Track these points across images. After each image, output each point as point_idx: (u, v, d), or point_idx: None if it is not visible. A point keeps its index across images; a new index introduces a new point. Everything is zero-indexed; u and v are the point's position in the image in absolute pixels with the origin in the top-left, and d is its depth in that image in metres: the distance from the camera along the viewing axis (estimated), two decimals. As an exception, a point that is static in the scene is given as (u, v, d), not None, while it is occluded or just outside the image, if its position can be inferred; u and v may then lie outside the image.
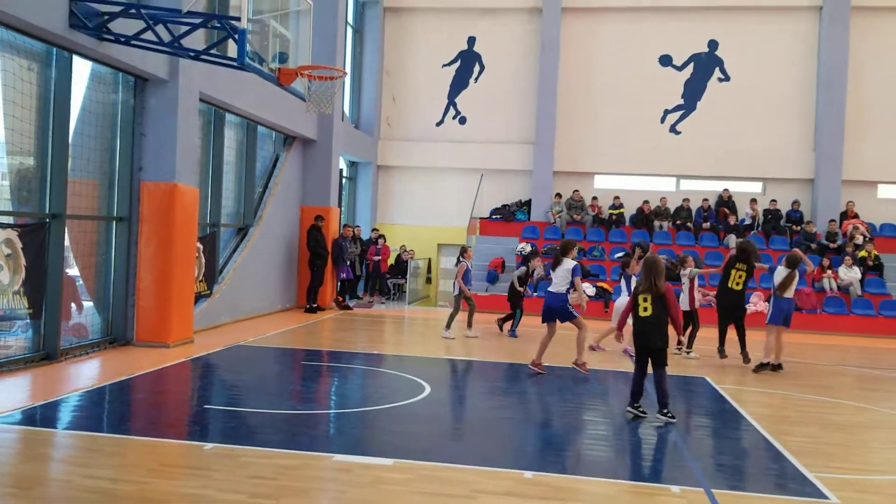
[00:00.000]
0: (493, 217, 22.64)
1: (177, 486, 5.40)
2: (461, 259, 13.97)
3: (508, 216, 22.46)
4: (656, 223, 21.44)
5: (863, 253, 18.83)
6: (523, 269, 14.93)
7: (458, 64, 23.31)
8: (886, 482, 6.21)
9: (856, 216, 20.42)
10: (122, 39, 9.66)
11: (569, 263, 10.44)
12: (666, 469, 6.42)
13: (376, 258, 20.96)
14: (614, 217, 21.74)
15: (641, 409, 7.99)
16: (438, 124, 23.36)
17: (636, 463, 6.56)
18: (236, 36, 8.82)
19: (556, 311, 10.44)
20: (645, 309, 7.81)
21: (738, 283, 12.04)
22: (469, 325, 14.14)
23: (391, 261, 21.90)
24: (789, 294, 11.39)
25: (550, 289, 10.54)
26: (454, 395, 9.44)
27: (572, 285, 10.39)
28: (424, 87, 23.40)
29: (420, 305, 21.47)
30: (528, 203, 22.66)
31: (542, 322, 10.59)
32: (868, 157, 20.92)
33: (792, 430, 7.88)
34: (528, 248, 20.73)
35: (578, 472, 6.13)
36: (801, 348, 14.71)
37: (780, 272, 11.50)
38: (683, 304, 12.40)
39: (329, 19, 17.60)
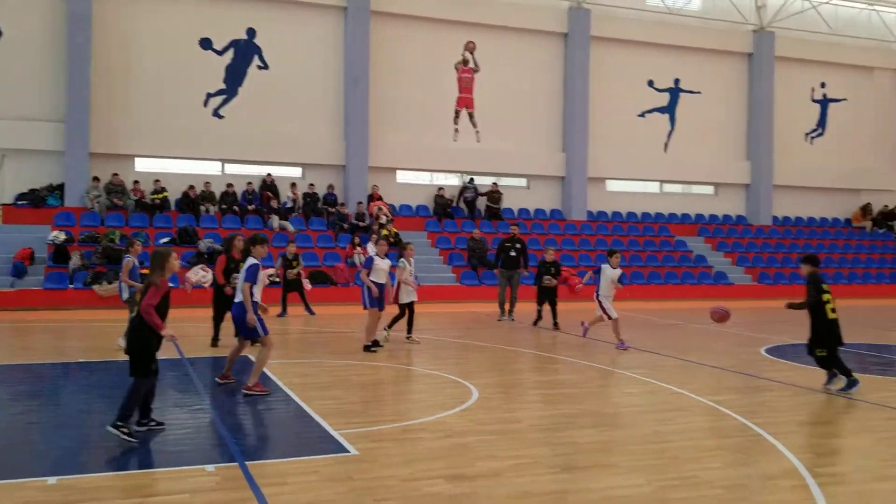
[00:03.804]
0: (19, 203, 20.22)
1: None
2: (127, 254, 11.54)
3: (38, 202, 20.24)
4: (202, 207, 21.39)
5: (385, 231, 21.36)
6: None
7: (-37, 26, 20.09)
8: (398, 429, 7.27)
9: (380, 198, 23.05)
10: None
11: (247, 264, 8.82)
12: (201, 450, 6.60)
13: None
14: (158, 202, 21.08)
15: (154, 423, 7.05)
16: (-60, 95, 19.91)
17: (171, 450, 6.58)
18: None
19: (238, 322, 8.82)
20: (133, 311, 6.96)
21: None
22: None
23: None
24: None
25: (237, 298, 8.80)
26: (-34, 407, 8.31)
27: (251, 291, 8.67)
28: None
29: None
30: (61, 187, 20.69)
31: (235, 335, 9.11)
32: (389, 146, 23.71)
33: (322, 394, 8.72)
34: (63, 237, 19.03)
35: (108, 469, 5.95)
36: (335, 319, 16.25)
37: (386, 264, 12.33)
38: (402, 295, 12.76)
39: None
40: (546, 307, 15.53)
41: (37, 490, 5.34)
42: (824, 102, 29.56)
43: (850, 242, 28.52)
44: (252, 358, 9.47)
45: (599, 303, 12.78)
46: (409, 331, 12.93)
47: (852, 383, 9.19)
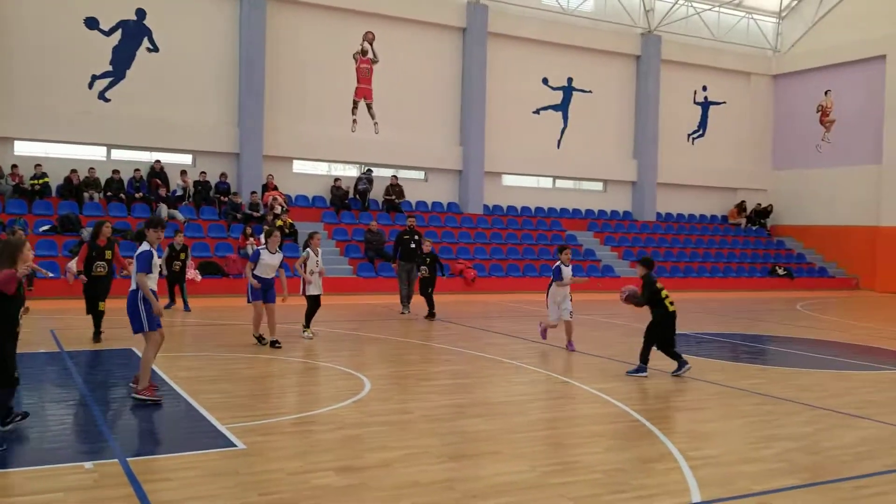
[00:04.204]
0: None
1: None
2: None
3: None
4: (86, 194, 20.41)
5: (280, 221, 21.01)
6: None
7: None
8: (285, 422, 7.22)
9: (275, 188, 22.64)
10: None
11: (143, 248, 7.86)
12: (79, 447, 6.34)
13: None
14: (38, 187, 19.95)
15: (20, 417, 6.55)
16: None
17: (47, 447, 6.29)
18: None
19: (128, 313, 7.89)
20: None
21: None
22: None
23: None
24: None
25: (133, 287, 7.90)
26: None
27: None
28: None
29: None
30: (-74, 169, 19.30)
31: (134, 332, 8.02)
32: (285, 135, 23.31)
33: (209, 388, 8.53)
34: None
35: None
36: (223, 311, 15.88)
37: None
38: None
39: None
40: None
41: None
42: (705, 105, 31.14)
43: (725, 238, 30.22)
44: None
45: (549, 304, 11.96)
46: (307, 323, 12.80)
47: (640, 370, 9.94)
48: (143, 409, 7.61)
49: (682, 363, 9.97)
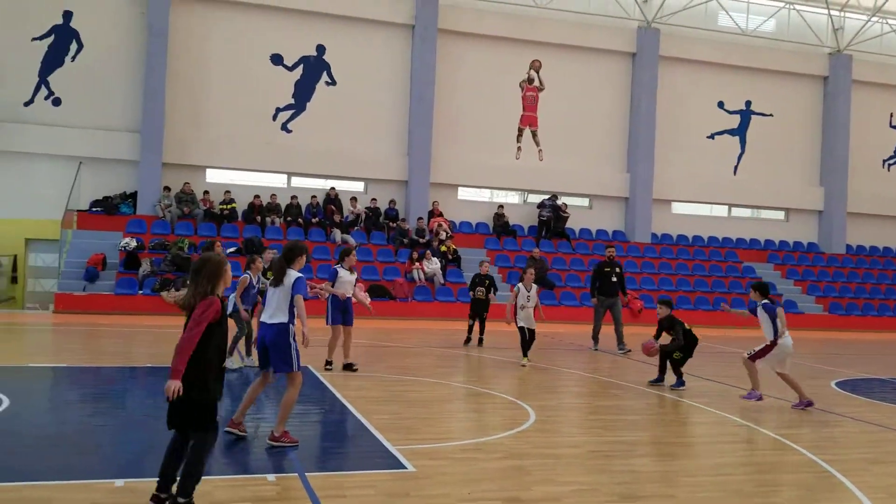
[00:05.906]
0: (94, 210, 20.98)
1: None
2: (247, 270, 10.94)
3: (111, 209, 20.98)
4: (268, 219, 21.83)
5: (444, 247, 21.44)
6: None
7: (51, 39, 21.06)
8: (454, 447, 7.24)
9: (440, 215, 23.14)
10: None
11: (292, 277, 7.09)
12: (262, 459, 6.67)
13: (-56, 255, 18.01)
14: (226, 212, 21.59)
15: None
16: (27, 104, 20.87)
17: (232, 457, 6.70)
18: None
19: (272, 349, 6.98)
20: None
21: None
22: (247, 351, 11.18)
23: (-36, 258, 19.00)
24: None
25: (264, 318, 7.08)
26: (39, 405, 8.62)
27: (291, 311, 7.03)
28: (10, 62, 20.68)
29: (4, 308, 19.00)
30: (134, 195, 21.40)
31: (260, 368, 7.22)
32: (451, 163, 23.82)
33: (379, 409, 8.75)
34: (134, 243, 19.64)
35: (174, 473, 6.07)
36: (390, 333, 16.32)
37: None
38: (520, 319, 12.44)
39: None
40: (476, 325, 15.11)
41: (104, 492, 5.48)
42: (903, 129, 28.53)
43: (927, 274, 27.37)
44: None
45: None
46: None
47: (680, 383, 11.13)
48: (319, 427, 7.92)
49: (679, 381, 11.06)
